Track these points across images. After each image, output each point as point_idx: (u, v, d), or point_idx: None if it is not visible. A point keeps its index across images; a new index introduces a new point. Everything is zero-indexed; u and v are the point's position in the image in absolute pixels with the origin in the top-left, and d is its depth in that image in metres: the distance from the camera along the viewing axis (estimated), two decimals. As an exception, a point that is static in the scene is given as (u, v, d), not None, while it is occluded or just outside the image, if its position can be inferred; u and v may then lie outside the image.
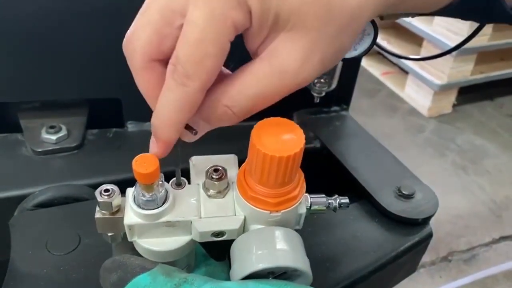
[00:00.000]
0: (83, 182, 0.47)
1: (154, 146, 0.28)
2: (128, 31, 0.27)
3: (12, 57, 0.49)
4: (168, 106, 0.26)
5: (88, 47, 0.51)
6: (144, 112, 0.56)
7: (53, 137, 0.51)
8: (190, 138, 0.29)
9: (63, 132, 0.52)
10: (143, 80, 0.27)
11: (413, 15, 0.35)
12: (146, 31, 0.26)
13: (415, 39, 1.85)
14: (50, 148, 0.51)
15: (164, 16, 0.25)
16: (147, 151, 0.28)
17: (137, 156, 0.27)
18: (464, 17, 0.35)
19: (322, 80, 0.53)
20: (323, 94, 0.55)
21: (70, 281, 0.36)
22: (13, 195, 0.45)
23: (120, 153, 0.53)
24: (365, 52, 0.46)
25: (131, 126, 0.57)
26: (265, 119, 0.28)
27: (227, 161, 0.32)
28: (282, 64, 0.25)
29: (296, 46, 0.25)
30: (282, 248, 0.27)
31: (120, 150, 0.54)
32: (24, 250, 0.39)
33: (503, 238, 1.35)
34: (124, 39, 0.27)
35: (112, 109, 0.56)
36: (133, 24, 0.27)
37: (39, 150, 0.51)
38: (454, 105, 1.90)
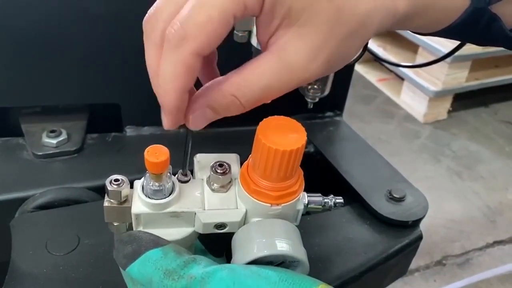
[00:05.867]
0: (82, 185, 0.48)
1: (163, 116, 0.28)
2: (153, 6, 0.27)
3: (14, 62, 0.50)
4: (165, 72, 0.26)
5: (88, 53, 0.52)
6: (142, 117, 0.58)
7: (54, 141, 0.52)
8: (196, 126, 0.29)
9: (63, 136, 0.53)
10: (155, 56, 0.27)
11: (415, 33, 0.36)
12: (170, 7, 0.26)
13: (411, 46, 1.87)
14: (51, 152, 0.52)
15: None
16: None
17: (148, 147, 0.28)
18: (463, 38, 0.36)
19: (315, 86, 0.54)
20: (317, 100, 0.56)
21: (70, 280, 0.37)
22: (14, 197, 0.46)
23: (119, 157, 0.54)
24: (357, 59, 0.48)
25: (129, 131, 0.58)
26: (269, 117, 0.29)
27: (230, 159, 0.33)
28: (290, 60, 0.26)
29: (305, 43, 0.26)
30: (282, 238, 0.29)
31: (119, 154, 0.55)
32: (25, 250, 0.40)
33: (497, 243, 1.36)
34: (147, 13, 0.27)
35: (111, 114, 0.57)
36: (157, 1, 0.27)
37: (40, 153, 0.52)
38: (449, 111, 1.92)
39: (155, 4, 0.27)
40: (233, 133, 0.55)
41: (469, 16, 0.31)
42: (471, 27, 0.33)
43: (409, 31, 0.36)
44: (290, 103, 0.48)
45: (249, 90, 0.27)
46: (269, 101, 0.28)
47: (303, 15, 0.26)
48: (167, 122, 0.28)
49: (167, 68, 0.26)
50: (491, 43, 0.35)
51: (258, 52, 0.51)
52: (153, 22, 0.27)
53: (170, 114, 0.28)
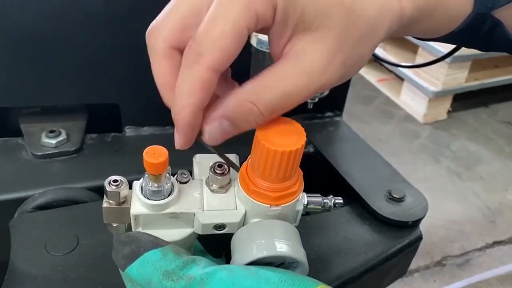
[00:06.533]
0: (81, 185, 0.48)
1: (176, 134, 0.28)
2: (155, 19, 0.27)
3: (13, 63, 0.50)
4: (181, 88, 0.26)
5: (87, 54, 0.52)
6: (142, 117, 0.58)
7: (53, 141, 0.52)
8: (212, 140, 0.28)
9: (62, 136, 0.53)
10: (160, 67, 0.27)
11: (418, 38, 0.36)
12: (173, 18, 0.27)
13: (410, 46, 1.87)
14: (50, 152, 0.52)
15: (193, 6, 0.26)
16: None
17: (147, 148, 0.28)
18: (466, 44, 0.36)
19: (315, 87, 0.54)
20: (316, 100, 0.56)
21: (69, 281, 0.37)
22: (14, 198, 0.46)
23: (118, 157, 0.54)
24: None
25: (129, 131, 0.58)
26: None
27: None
28: (307, 65, 0.26)
29: (320, 47, 0.26)
30: (281, 239, 0.29)
31: (118, 154, 0.55)
32: (24, 251, 0.40)
33: (497, 243, 1.36)
34: (150, 26, 0.28)
35: (111, 114, 0.57)
36: (161, 13, 0.27)
37: (39, 154, 0.52)
38: (449, 112, 1.92)
39: (157, 17, 0.27)
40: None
41: (472, 21, 0.31)
42: (474, 33, 0.33)
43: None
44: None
45: (267, 95, 0.26)
46: (288, 110, 0.27)
47: (317, 20, 0.26)
48: (180, 141, 0.28)
49: (183, 84, 0.26)
50: (495, 49, 0.35)
51: (258, 52, 0.51)
52: (156, 34, 0.27)
53: (183, 132, 0.27)
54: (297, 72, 0.26)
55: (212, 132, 0.28)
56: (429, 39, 0.35)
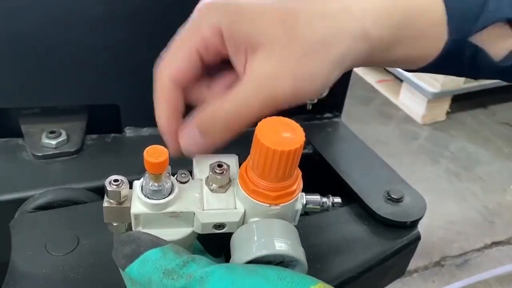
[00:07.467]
0: (81, 186, 0.48)
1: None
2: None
3: (13, 64, 0.51)
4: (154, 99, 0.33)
5: (87, 54, 0.52)
6: (142, 118, 0.58)
7: (53, 142, 0.52)
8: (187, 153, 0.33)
9: (63, 137, 0.53)
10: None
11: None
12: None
13: (409, 47, 1.87)
14: (50, 153, 0.52)
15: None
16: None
17: (148, 147, 0.28)
18: (454, 73, 0.36)
19: (314, 88, 0.55)
20: (315, 101, 0.57)
21: (69, 281, 0.37)
22: (14, 198, 0.46)
23: (118, 158, 0.54)
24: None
25: (129, 132, 0.58)
26: (268, 117, 0.30)
27: (229, 160, 0.33)
28: (255, 79, 0.29)
29: (267, 62, 0.29)
30: (281, 237, 0.29)
31: (118, 154, 0.55)
32: (24, 251, 0.40)
33: (495, 244, 1.37)
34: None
35: (111, 115, 0.57)
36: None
37: (39, 154, 0.52)
38: (448, 113, 1.93)
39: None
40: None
41: (451, 48, 0.32)
42: (456, 60, 0.33)
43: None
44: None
45: (216, 118, 0.30)
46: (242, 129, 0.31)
47: (261, 39, 0.29)
48: (169, 148, 0.31)
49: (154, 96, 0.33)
50: (483, 76, 0.35)
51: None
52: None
53: (167, 138, 0.33)
54: (246, 87, 0.29)
55: (185, 146, 0.32)
56: (415, 70, 0.35)
